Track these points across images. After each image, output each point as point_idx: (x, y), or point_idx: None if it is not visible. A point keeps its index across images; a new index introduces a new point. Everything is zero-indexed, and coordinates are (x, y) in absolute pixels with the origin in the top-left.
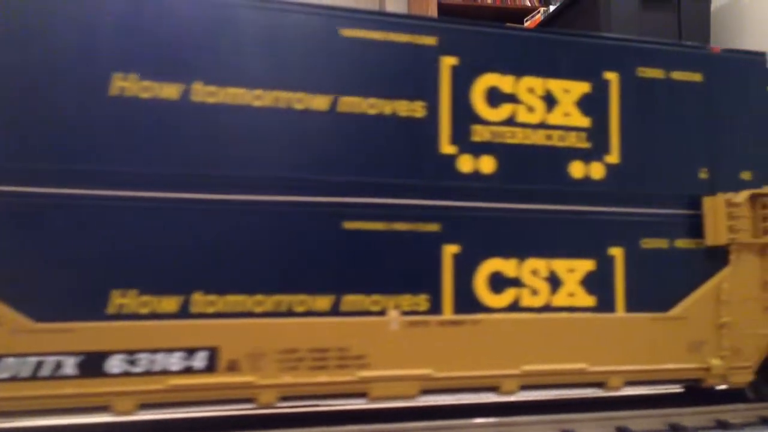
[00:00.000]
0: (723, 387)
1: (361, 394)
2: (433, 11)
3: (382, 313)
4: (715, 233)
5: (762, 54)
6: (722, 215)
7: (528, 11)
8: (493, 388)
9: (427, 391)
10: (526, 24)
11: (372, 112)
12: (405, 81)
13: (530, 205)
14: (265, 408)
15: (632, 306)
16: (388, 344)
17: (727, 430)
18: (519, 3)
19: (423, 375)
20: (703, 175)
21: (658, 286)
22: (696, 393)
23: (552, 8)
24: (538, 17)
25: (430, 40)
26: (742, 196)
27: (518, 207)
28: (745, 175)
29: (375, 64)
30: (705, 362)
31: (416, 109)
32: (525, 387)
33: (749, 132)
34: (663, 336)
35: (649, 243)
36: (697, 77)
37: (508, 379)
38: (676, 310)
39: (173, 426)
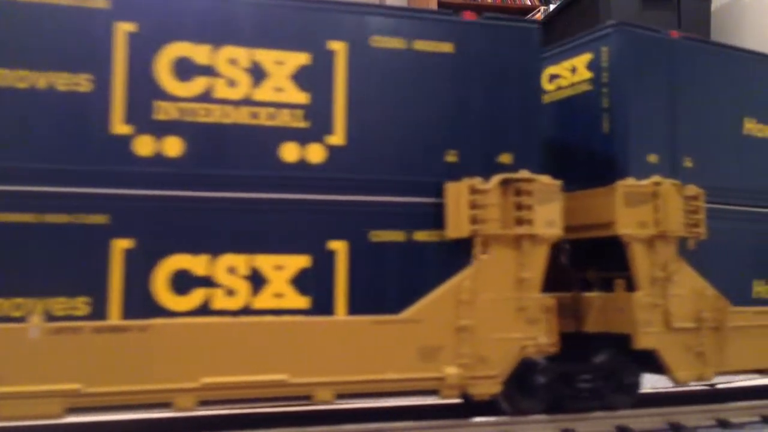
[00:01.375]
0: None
1: None
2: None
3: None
4: (457, 224)
5: (531, 22)
6: (465, 204)
7: (528, 10)
8: (165, 404)
9: (74, 410)
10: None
11: (21, 85)
12: (67, 50)
13: (227, 193)
14: None
15: (357, 308)
16: (26, 355)
17: (728, 428)
18: (519, 2)
19: (68, 391)
20: (450, 158)
21: (392, 284)
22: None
23: (552, 7)
24: (538, 16)
25: (101, 3)
26: (492, 181)
27: (211, 195)
28: (505, 158)
29: (29, 31)
30: (440, 371)
31: (80, 82)
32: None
33: (511, 109)
34: (389, 342)
35: (381, 236)
36: (446, 48)
37: (182, 394)
38: (408, 312)
39: (173, 426)
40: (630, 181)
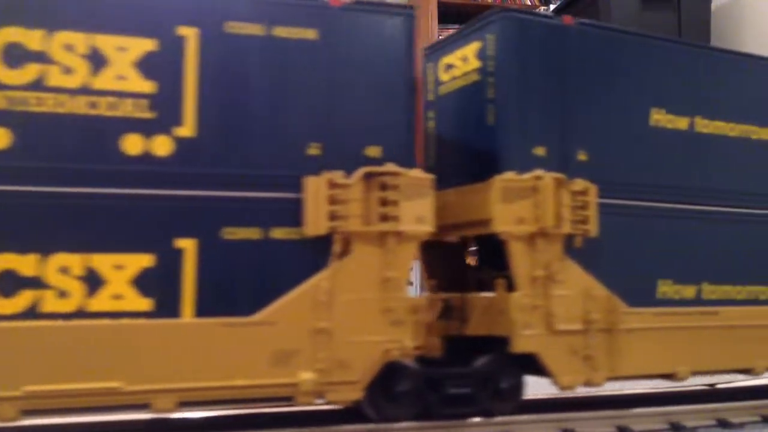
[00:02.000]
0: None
1: None
2: (433, 10)
3: None
4: (315, 221)
5: (405, 7)
6: (323, 199)
7: None
8: None
9: None
10: None
11: None
12: None
13: (61, 188)
14: None
15: (206, 310)
16: None
17: (728, 428)
18: (519, 2)
19: None
20: (313, 151)
21: (246, 285)
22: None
23: (552, 7)
24: None
25: None
26: (355, 175)
27: (40, 190)
28: (373, 151)
29: None
30: (294, 377)
31: None
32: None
33: (381, 100)
34: (239, 346)
35: (235, 233)
36: (310, 35)
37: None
38: (261, 315)
39: (173, 426)
40: (509, 175)
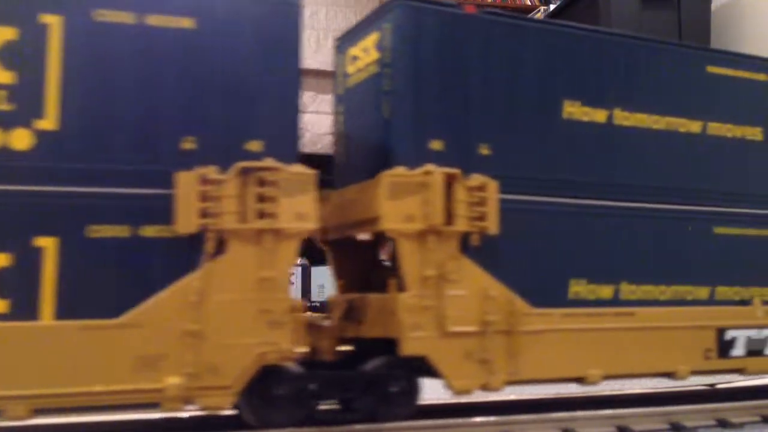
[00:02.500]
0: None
1: None
2: None
3: None
4: (186, 218)
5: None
6: (194, 195)
7: (528, 10)
8: None
9: None
10: None
11: None
12: None
13: None
14: None
15: (67, 312)
16: None
17: (728, 428)
18: (519, 1)
19: None
20: (187, 145)
21: (113, 285)
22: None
23: (552, 7)
24: (539, 16)
25: None
26: (231, 171)
27: None
28: (254, 146)
29: None
30: (160, 382)
31: None
32: None
33: (262, 93)
34: (101, 350)
35: (100, 231)
36: (186, 23)
37: None
38: (125, 317)
39: (174, 426)
40: (398, 171)
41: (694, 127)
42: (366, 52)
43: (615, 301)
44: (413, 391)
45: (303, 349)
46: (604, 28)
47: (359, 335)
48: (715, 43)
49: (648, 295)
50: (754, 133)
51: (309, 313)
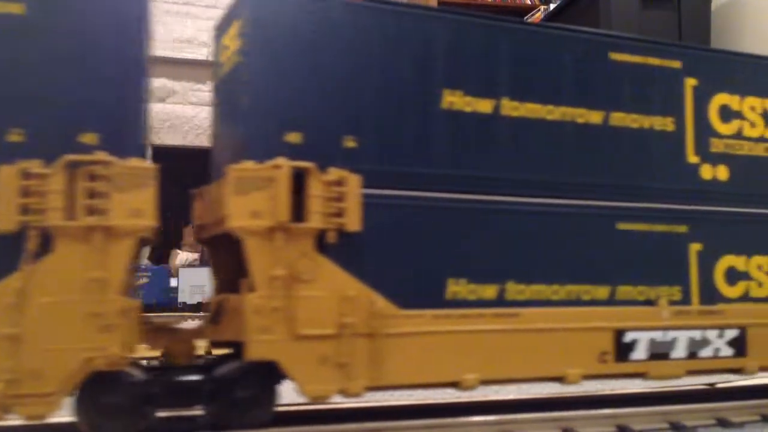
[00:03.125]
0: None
1: None
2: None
3: None
4: (5, 214)
5: None
6: (13, 190)
7: (528, 9)
8: None
9: None
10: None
11: None
12: None
13: None
14: None
15: None
16: None
17: (727, 427)
18: (519, 1)
19: None
20: (14, 137)
21: None
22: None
23: (552, 6)
24: (539, 15)
25: None
26: (56, 164)
27: None
28: (88, 138)
29: None
30: None
31: None
32: None
33: (99, 82)
34: None
35: None
36: (15, 8)
37: None
38: None
39: (174, 425)
40: (246, 165)
41: (595, 117)
42: (232, 41)
43: (500, 302)
44: (267, 397)
45: (137, 354)
46: (489, 15)
47: (216, 338)
48: (715, 42)
49: (539, 295)
50: (664, 124)
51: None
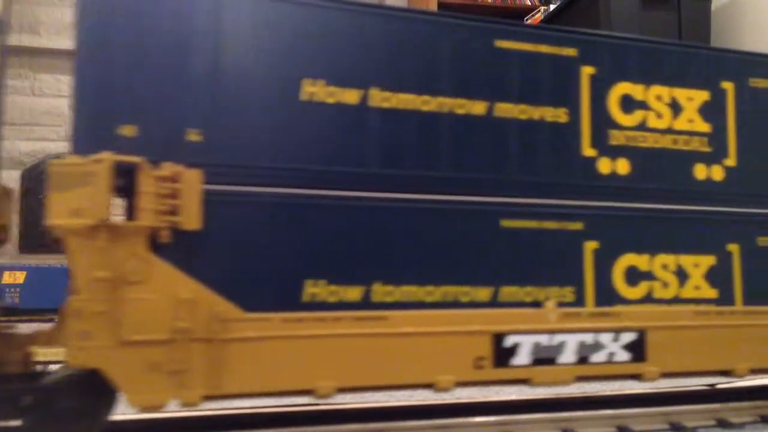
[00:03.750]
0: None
1: None
2: (432, 10)
3: None
4: None
5: None
6: None
7: (528, 10)
8: None
9: None
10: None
11: None
12: None
13: None
14: None
15: None
16: None
17: (728, 428)
18: (519, 2)
19: None
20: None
21: None
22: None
23: (552, 7)
24: (539, 16)
25: None
26: None
27: None
28: None
29: None
30: None
31: None
32: None
33: None
34: None
35: None
36: None
37: None
38: None
39: (175, 425)
40: (68, 160)
41: (477, 108)
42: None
43: (366, 304)
44: (94, 408)
45: None
46: (360, 1)
47: (49, 344)
48: (716, 42)
49: (410, 297)
50: (557, 115)
51: None
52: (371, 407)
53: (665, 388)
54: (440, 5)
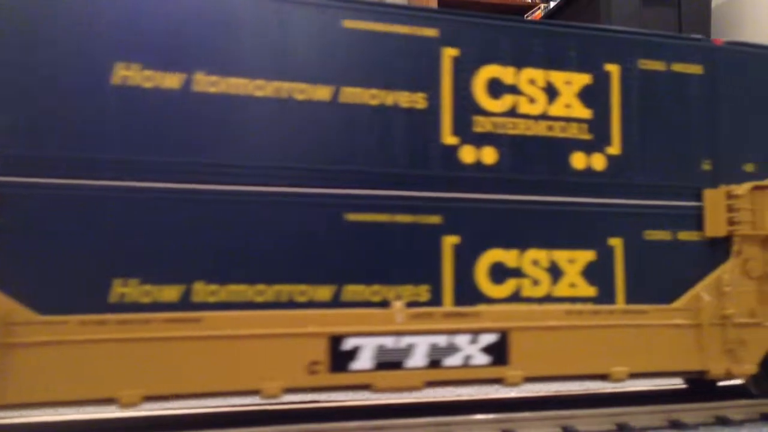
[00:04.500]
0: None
1: None
2: (433, 6)
3: None
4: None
5: None
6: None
7: (528, 7)
8: None
9: None
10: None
11: None
12: None
13: None
14: None
15: None
16: None
17: (727, 426)
18: (519, 0)
19: None
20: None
21: None
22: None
23: (552, 4)
24: (539, 14)
25: None
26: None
27: None
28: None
29: None
30: None
31: None
32: None
33: None
34: None
35: None
36: None
37: None
38: None
39: (172, 423)
40: None
41: (320, 93)
42: None
43: (185, 305)
44: None
45: None
46: None
47: None
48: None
49: (238, 297)
50: (413, 100)
51: None
52: (373, 405)
53: (666, 386)
54: (440, 4)
